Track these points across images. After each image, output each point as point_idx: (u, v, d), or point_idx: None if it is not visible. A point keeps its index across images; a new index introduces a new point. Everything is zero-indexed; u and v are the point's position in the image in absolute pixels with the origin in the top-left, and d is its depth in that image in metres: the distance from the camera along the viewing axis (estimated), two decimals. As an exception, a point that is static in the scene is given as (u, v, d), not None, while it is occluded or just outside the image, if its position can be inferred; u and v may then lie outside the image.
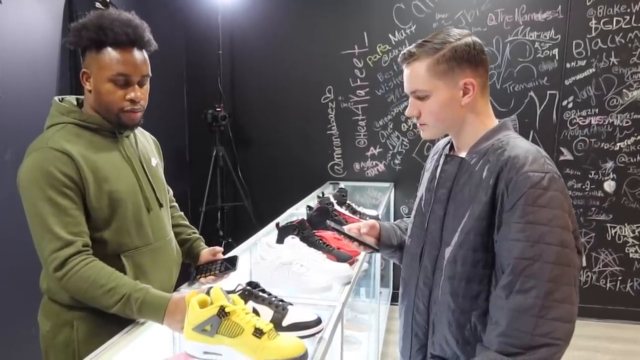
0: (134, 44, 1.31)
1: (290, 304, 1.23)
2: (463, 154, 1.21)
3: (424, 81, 1.16)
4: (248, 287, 1.22)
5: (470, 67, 1.15)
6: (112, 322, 1.26)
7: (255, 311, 1.17)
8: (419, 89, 1.17)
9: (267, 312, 1.18)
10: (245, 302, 1.16)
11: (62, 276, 1.22)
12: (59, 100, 1.38)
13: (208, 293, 1.12)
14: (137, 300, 1.21)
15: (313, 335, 1.17)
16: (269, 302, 1.20)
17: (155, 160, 1.54)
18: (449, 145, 1.30)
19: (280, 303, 1.21)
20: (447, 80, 1.15)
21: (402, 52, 1.20)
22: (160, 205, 1.47)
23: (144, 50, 1.34)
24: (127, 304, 1.21)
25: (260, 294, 1.22)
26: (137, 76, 1.32)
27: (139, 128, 1.55)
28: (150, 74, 1.37)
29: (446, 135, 1.31)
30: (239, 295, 1.18)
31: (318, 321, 1.19)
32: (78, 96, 1.43)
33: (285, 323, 1.17)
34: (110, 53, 1.28)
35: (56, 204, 1.23)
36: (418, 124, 1.23)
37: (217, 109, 3.72)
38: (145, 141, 1.55)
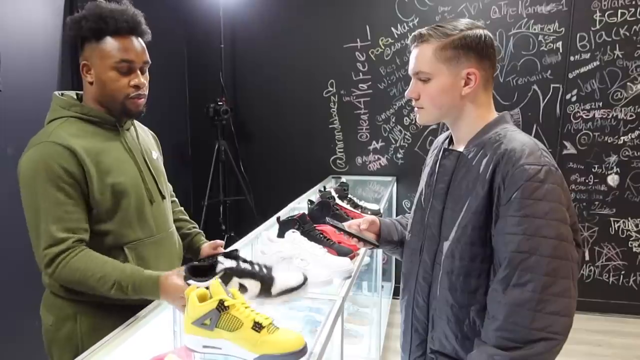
0: (133, 31, 1.33)
1: (271, 268, 1.21)
2: (461, 148, 1.21)
3: (428, 63, 1.15)
4: (228, 267, 1.17)
5: (476, 58, 1.14)
6: (114, 315, 1.27)
7: (242, 287, 1.14)
8: (422, 71, 1.17)
9: (254, 285, 1.16)
10: (229, 282, 1.13)
11: (52, 272, 1.24)
12: (60, 95, 1.38)
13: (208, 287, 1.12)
14: (128, 286, 1.22)
15: (303, 290, 1.19)
16: (252, 274, 1.17)
17: (156, 154, 1.55)
18: (448, 140, 1.30)
19: (265, 272, 1.19)
20: (451, 67, 1.14)
21: (413, 34, 1.20)
22: (163, 197, 1.48)
23: (141, 38, 1.37)
24: (120, 290, 1.23)
25: (243, 267, 1.18)
26: (139, 62, 1.34)
27: (138, 122, 1.56)
28: (150, 61, 1.39)
29: (446, 130, 1.31)
30: (221, 277, 1.15)
31: (305, 279, 1.20)
32: (77, 91, 1.43)
33: (275, 291, 1.16)
34: (111, 41, 1.30)
35: (53, 198, 1.23)
36: (416, 107, 1.23)
37: (219, 103, 3.72)
38: (145, 136, 1.56)
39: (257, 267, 1.19)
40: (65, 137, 1.27)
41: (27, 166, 1.25)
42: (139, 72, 1.35)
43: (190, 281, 1.15)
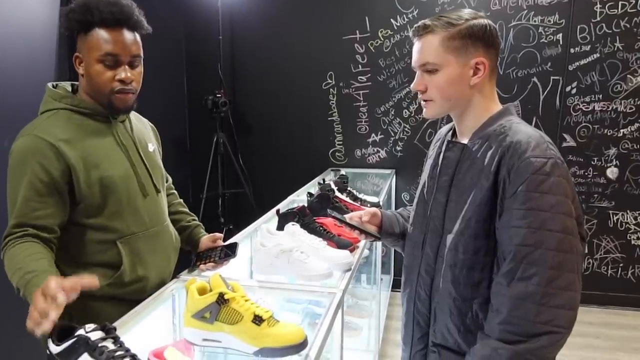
0: (122, 23, 1.28)
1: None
2: (465, 140, 1.20)
3: (435, 54, 1.13)
4: (84, 338, 0.95)
5: (483, 47, 1.13)
6: (110, 310, 1.26)
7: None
8: (429, 62, 1.14)
9: None
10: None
11: (2, 258, 1.24)
12: (53, 86, 1.37)
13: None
14: (26, 283, 1.15)
15: None
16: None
17: (153, 146, 1.52)
18: (451, 132, 1.28)
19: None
20: (459, 57, 1.13)
21: (415, 25, 1.17)
22: (157, 191, 1.46)
23: (135, 32, 1.32)
24: (19, 286, 1.17)
25: (101, 345, 0.94)
26: (126, 56, 1.30)
27: (136, 114, 1.53)
28: (142, 55, 1.35)
29: (450, 121, 1.29)
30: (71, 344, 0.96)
31: None
32: (73, 82, 1.41)
33: None
34: (98, 33, 1.27)
35: (22, 193, 1.23)
36: (422, 101, 1.21)
37: (218, 95, 3.69)
38: (142, 127, 1.53)
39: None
40: (51, 131, 1.25)
41: (12, 158, 1.26)
42: (126, 66, 1.30)
43: (50, 346, 0.99)
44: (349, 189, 2.55)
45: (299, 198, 2.60)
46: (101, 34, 1.26)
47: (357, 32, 3.73)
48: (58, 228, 1.27)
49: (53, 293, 0.98)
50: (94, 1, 1.27)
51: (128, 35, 1.30)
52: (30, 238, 1.23)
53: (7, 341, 2.24)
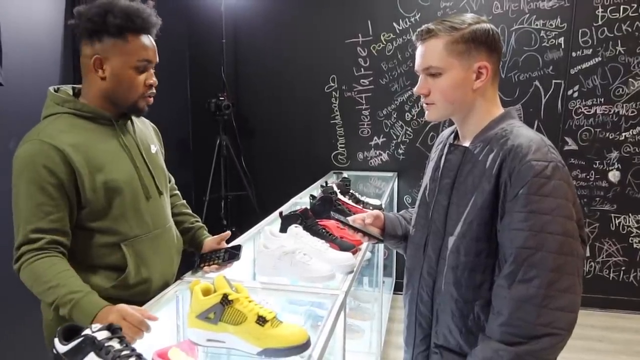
0: (148, 31, 1.35)
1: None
2: (467, 143, 1.21)
3: (439, 58, 1.14)
4: (90, 338, 0.95)
5: (486, 51, 1.14)
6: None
7: None
8: (432, 66, 1.16)
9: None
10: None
11: (17, 270, 1.25)
12: (54, 90, 1.37)
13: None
14: (71, 301, 1.18)
15: None
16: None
17: (155, 148, 1.53)
18: (453, 135, 1.29)
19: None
20: (463, 61, 1.14)
21: (419, 29, 1.18)
22: (160, 193, 1.47)
23: (151, 37, 1.38)
24: (60, 304, 1.19)
25: (107, 345, 0.96)
26: (154, 62, 1.37)
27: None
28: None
29: (451, 124, 1.30)
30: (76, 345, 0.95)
31: None
32: (74, 85, 1.42)
33: None
34: (134, 40, 1.31)
35: (33, 198, 1.23)
36: (425, 104, 1.22)
37: (221, 98, 3.71)
38: (145, 129, 1.54)
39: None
40: (54, 135, 1.26)
41: (16, 164, 1.26)
42: (152, 71, 1.37)
43: (57, 345, 1.00)
44: (351, 191, 2.56)
45: (301, 200, 2.61)
46: (137, 40, 1.31)
47: (360, 35, 3.74)
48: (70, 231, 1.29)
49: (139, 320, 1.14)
50: (132, 8, 1.30)
51: (152, 41, 1.36)
52: (52, 251, 1.24)
53: (12, 342, 2.25)
